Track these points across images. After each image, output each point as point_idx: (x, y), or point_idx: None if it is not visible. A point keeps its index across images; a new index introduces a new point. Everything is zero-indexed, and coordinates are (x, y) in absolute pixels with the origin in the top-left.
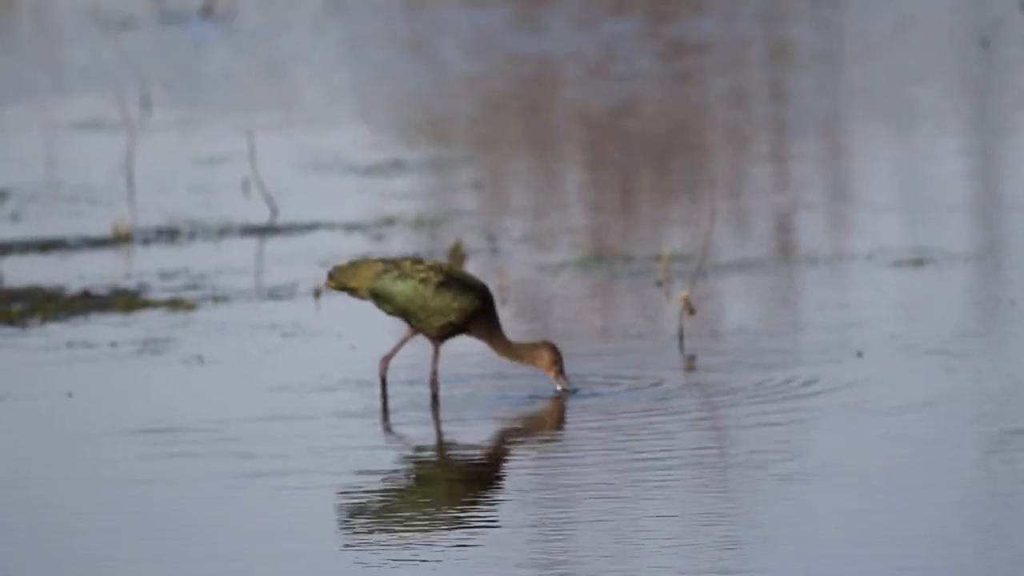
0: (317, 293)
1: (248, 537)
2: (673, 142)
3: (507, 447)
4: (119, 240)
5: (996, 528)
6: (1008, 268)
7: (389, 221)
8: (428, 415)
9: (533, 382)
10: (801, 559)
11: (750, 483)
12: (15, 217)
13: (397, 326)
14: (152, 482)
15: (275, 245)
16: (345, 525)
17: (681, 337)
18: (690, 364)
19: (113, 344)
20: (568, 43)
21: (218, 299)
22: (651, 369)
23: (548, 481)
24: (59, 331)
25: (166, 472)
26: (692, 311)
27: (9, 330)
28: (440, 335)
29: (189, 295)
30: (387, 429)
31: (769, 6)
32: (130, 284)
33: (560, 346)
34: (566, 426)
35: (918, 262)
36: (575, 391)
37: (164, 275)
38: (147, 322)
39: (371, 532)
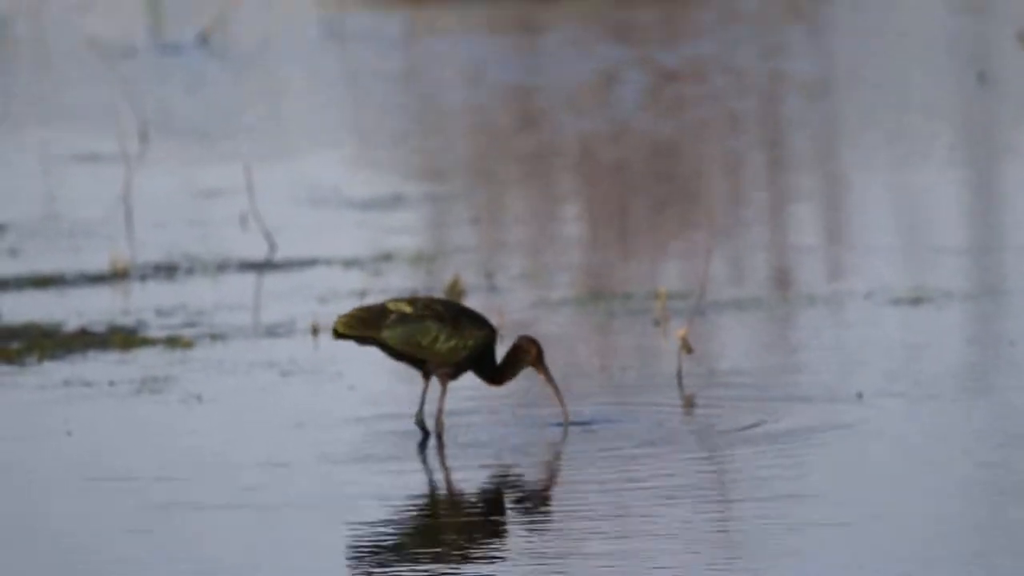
0: (315, 330)
1: None
2: (670, 177)
3: (507, 490)
4: (117, 276)
5: (995, 566)
6: (1007, 307)
7: (387, 257)
8: (431, 455)
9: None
10: None
11: (749, 523)
12: (12, 252)
13: (396, 366)
14: (152, 529)
15: (273, 281)
16: (352, 564)
17: (679, 376)
18: (689, 403)
19: (111, 383)
20: (564, 73)
21: (216, 336)
22: (649, 408)
23: (549, 525)
24: (57, 369)
25: (168, 513)
26: (690, 350)
27: (6, 368)
28: (455, 372)
29: (187, 332)
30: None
31: (765, 37)
32: (128, 321)
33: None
34: (565, 464)
35: (916, 300)
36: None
37: (162, 312)
38: (145, 360)
39: (379, 570)
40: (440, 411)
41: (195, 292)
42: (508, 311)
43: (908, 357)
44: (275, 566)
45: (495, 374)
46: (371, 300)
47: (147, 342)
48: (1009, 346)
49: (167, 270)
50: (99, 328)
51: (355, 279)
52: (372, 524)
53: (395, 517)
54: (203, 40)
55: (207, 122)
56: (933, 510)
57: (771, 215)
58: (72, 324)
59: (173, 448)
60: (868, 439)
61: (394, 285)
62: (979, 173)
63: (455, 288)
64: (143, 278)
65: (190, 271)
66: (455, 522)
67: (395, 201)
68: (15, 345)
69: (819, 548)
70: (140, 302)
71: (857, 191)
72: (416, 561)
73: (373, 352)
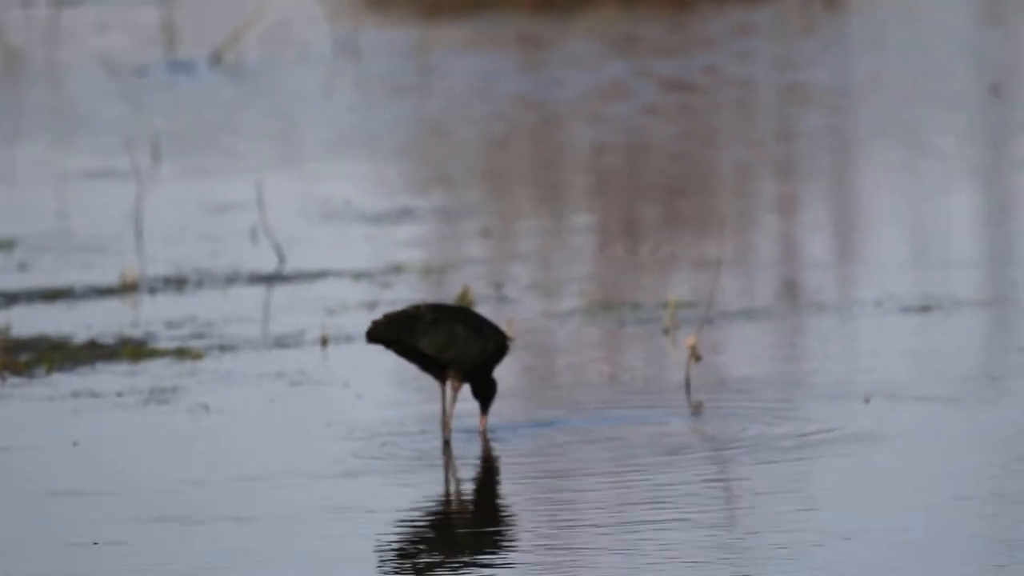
0: (324, 342)
1: None
2: (680, 187)
3: (512, 492)
4: (126, 289)
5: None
6: (1017, 315)
7: (397, 269)
8: (438, 462)
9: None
10: None
11: (755, 533)
12: (22, 267)
13: (404, 375)
14: (130, 541)
15: (282, 293)
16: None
17: (688, 384)
18: (697, 410)
19: (119, 394)
20: (575, 85)
21: (225, 348)
22: (658, 416)
23: (556, 530)
24: (65, 381)
25: (184, 521)
26: (699, 358)
27: (16, 380)
28: (467, 377)
29: (196, 344)
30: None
31: (778, 49)
32: (137, 333)
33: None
34: (573, 471)
35: (926, 308)
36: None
37: (171, 324)
38: (154, 371)
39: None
40: (450, 417)
41: (205, 304)
42: (518, 321)
43: (917, 364)
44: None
45: (479, 387)
46: (381, 311)
47: (156, 353)
48: (1019, 353)
49: (177, 283)
50: (108, 340)
51: (364, 291)
52: (376, 534)
53: (400, 527)
54: (216, 60)
55: (219, 138)
56: (939, 521)
57: (781, 225)
58: (81, 336)
59: (177, 458)
60: (875, 447)
61: (403, 297)
62: (990, 184)
63: (465, 299)
64: (153, 291)
65: (200, 284)
66: (461, 531)
67: (405, 214)
68: (24, 357)
69: (823, 559)
70: (149, 314)
71: (868, 202)
72: (424, 570)
73: (382, 362)
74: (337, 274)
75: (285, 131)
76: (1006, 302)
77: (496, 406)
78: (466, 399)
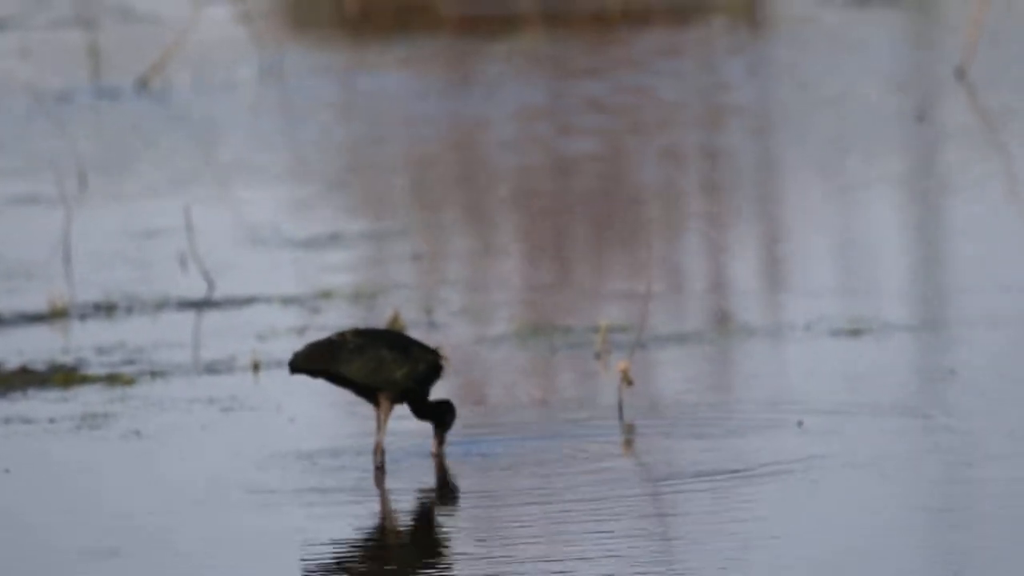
0: (256, 367)
1: None
2: (610, 211)
3: (442, 517)
4: (56, 315)
5: None
6: (946, 338)
7: (326, 294)
8: (370, 485)
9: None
10: None
11: (690, 555)
12: None
13: (336, 399)
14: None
15: (212, 319)
16: None
17: (620, 408)
18: (629, 435)
19: (51, 420)
20: (502, 108)
21: (156, 374)
22: (589, 440)
23: (485, 553)
24: None
25: (115, 553)
26: (630, 382)
27: None
28: (400, 398)
29: (127, 370)
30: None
31: (703, 71)
32: (68, 359)
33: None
34: (501, 496)
35: (855, 332)
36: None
37: (102, 350)
38: (85, 397)
39: None
40: (380, 442)
41: (135, 330)
42: (449, 347)
43: (848, 387)
44: None
45: (422, 408)
46: (311, 336)
47: (87, 380)
48: (949, 375)
49: (107, 309)
50: (39, 366)
51: (294, 316)
52: (307, 560)
53: (334, 553)
54: (142, 85)
55: (146, 164)
56: (873, 544)
57: (710, 248)
58: (12, 363)
59: (110, 485)
60: (808, 466)
61: (332, 322)
62: (917, 209)
63: (395, 325)
64: (83, 317)
65: (129, 310)
66: (393, 551)
67: (333, 239)
68: None
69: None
70: (80, 340)
71: (796, 226)
72: None
73: (314, 386)
74: (267, 300)
75: (212, 156)
76: (935, 325)
77: (426, 430)
78: (403, 418)
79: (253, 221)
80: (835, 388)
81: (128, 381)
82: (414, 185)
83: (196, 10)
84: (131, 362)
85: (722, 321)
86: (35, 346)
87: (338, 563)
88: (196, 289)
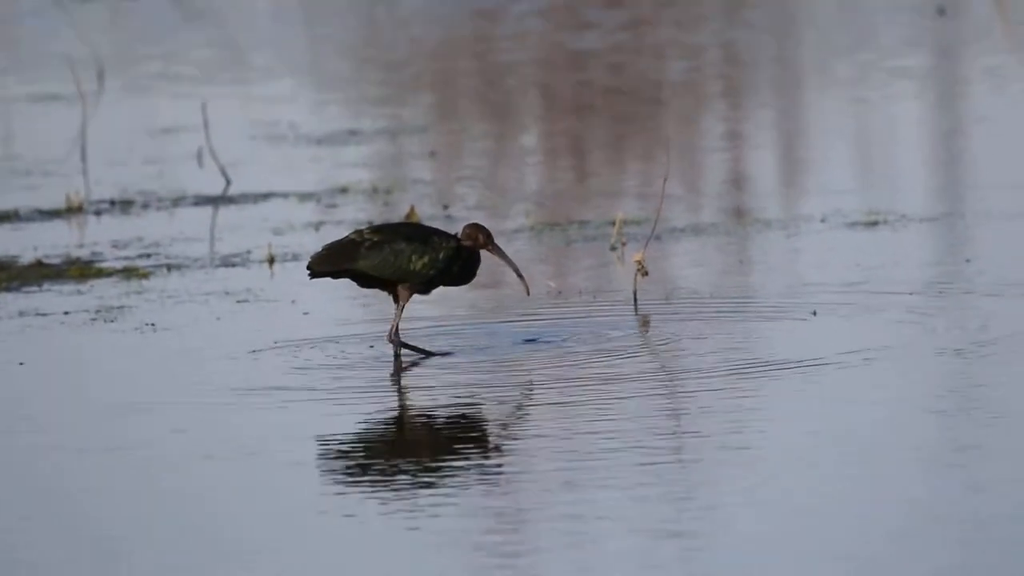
0: (271, 261)
1: (233, 508)
2: (626, 105)
3: (468, 411)
4: (72, 211)
5: (950, 495)
6: (962, 228)
7: (343, 190)
8: (388, 373)
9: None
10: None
11: (701, 452)
12: None
13: (352, 292)
14: (120, 451)
15: (229, 215)
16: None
17: (635, 299)
18: (644, 324)
19: (66, 313)
20: (520, 6)
21: (171, 267)
22: (606, 330)
23: (508, 446)
24: (12, 301)
25: (138, 442)
26: (646, 273)
27: None
28: (427, 288)
29: (142, 264)
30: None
31: None
32: (83, 254)
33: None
34: (523, 388)
35: (872, 223)
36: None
37: (117, 244)
38: (100, 290)
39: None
40: (396, 327)
41: (151, 226)
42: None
43: (864, 277)
44: (252, 494)
45: (463, 275)
46: (327, 231)
47: (103, 273)
48: (965, 263)
49: (123, 205)
50: (55, 260)
51: (311, 212)
52: (321, 454)
53: (348, 446)
54: None
55: (163, 62)
56: (888, 429)
57: (728, 142)
58: (28, 257)
59: (129, 376)
60: (821, 354)
61: (350, 217)
62: (936, 102)
63: (411, 219)
64: (99, 213)
65: (146, 206)
66: (414, 440)
67: (350, 136)
68: None
69: (774, 485)
70: (96, 236)
71: (813, 118)
72: (382, 476)
73: (327, 281)
74: (283, 195)
75: (229, 53)
76: (951, 215)
77: (442, 313)
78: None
79: (270, 118)
80: (851, 279)
81: (143, 274)
82: (432, 83)
83: None
84: (146, 256)
85: (738, 211)
86: (51, 241)
87: (352, 458)
88: (213, 185)
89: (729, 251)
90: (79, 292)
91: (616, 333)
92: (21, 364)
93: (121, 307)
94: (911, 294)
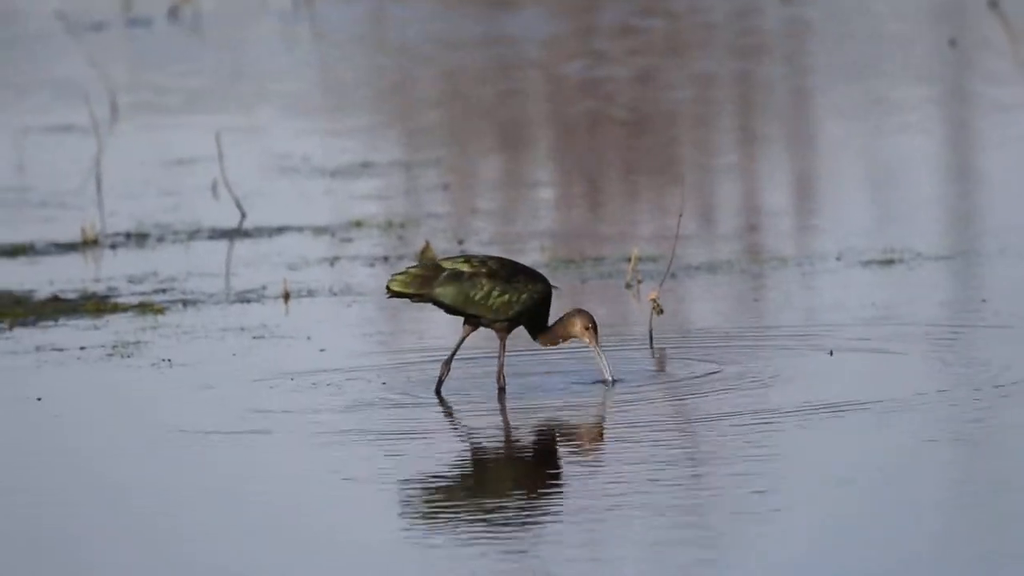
0: (286, 296)
1: (254, 540)
2: (642, 140)
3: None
4: (87, 244)
5: (970, 519)
6: (978, 267)
7: (357, 224)
8: (408, 417)
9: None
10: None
11: (718, 481)
12: None
13: (368, 328)
14: (134, 487)
15: (244, 248)
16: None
17: (651, 337)
18: (660, 363)
19: (82, 348)
20: (536, 38)
21: (187, 302)
22: (621, 369)
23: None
24: (28, 335)
25: (147, 478)
26: (661, 311)
27: None
28: (509, 326)
29: (158, 299)
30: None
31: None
32: (99, 288)
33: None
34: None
35: (887, 262)
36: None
37: (133, 279)
38: (116, 326)
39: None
40: (501, 366)
41: (166, 259)
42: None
43: (879, 316)
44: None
45: (540, 331)
46: (342, 267)
47: (119, 308)
48: (981, 303)
49: (138, 238)
50: (71, 295)
51: (325, 246)
52: (354, 491)
53: (385, 488)
54: (174, 14)
55: (177, 93)
56: (905, 465)
57: (743, 178)
58: (44, 292)
59: (145, 411)
60: (838, 395)
61: (365, 252)
62: (950, 137)
63: (426, 254)
64: (114, 246)
65: (161, 239)
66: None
67: (364, 168)
68: None
69: (792, 511)
70: (111, 269)
71: (828, 155)
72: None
73: (344, 315)
74: (298, 229)
75: (243, 85)
76: (967, 254)
77: (466, 356)
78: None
79: (284, 150)
80: (866, 317)
81: (159, 310)
82: (445, 114)
83: None
84: (162, 291)
85: (753, 248)
86: (66, 275)
87: (384, 495)
88: (228, 218)
89: (744, 289)
90: (95, 327)
91: (630, 372)
92: (39, 399)
93: (137, 342)
94: (927, 334)
